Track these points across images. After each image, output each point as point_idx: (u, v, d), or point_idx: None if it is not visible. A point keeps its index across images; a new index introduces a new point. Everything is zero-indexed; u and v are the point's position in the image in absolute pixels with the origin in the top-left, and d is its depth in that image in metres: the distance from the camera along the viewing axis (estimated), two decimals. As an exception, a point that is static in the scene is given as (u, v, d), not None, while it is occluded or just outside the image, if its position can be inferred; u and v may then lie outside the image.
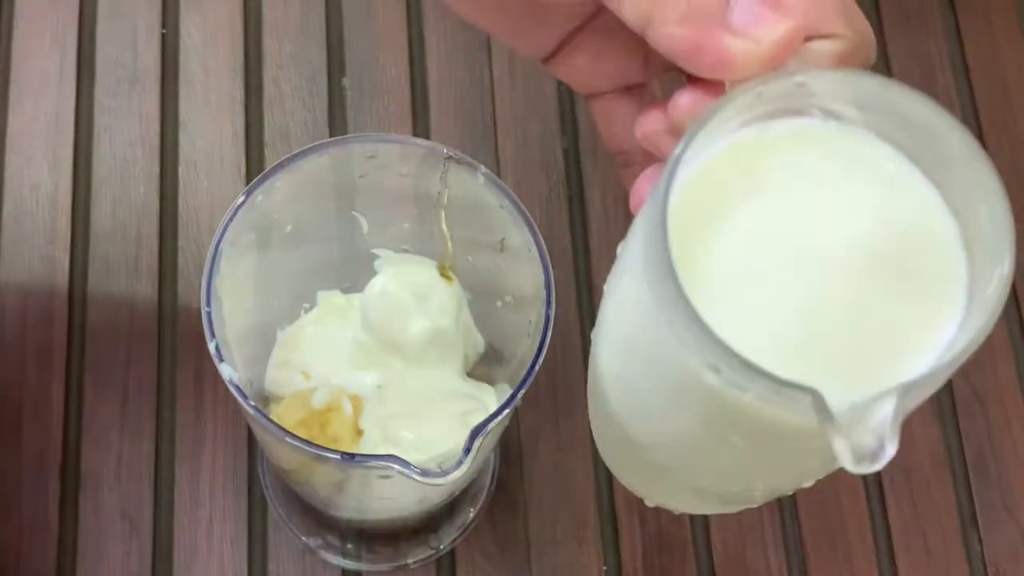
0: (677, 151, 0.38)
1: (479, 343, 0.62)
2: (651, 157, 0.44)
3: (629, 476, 0.46)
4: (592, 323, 0.70)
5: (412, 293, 0.60)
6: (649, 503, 0.47)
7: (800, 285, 0.39)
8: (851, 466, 0.35)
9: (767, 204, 0.39)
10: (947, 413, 0.70)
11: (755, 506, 0.45)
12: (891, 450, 0.35)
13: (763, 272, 0.39)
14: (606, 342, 0.42)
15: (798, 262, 0.39)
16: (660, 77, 0.47)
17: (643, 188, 0.44)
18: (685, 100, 0.42)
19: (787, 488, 0.45)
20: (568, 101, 0.75)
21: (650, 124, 0.43)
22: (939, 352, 0.38)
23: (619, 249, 0.42)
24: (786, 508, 0.68)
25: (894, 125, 0.40)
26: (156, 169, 0.72)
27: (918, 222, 0.39)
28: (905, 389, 0.36)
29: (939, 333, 0.38)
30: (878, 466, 0.35)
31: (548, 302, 0.55)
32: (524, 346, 0.57)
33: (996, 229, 0.37)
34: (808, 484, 0.43)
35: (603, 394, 0.44)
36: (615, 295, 0.41)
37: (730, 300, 0.38)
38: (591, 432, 0.68)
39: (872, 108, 0.40)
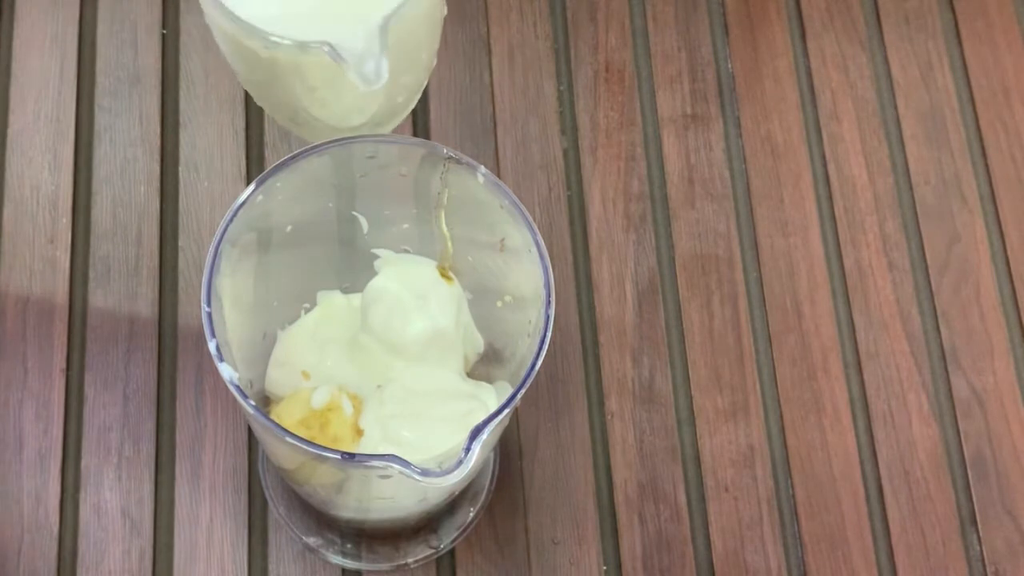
0: None
1: (479, 343, 0.62)
2: None
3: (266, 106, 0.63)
4: (592, 323, 0.71)
5: (412, 293, 0.60)
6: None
7: None
8: (363, 87, 0.52)
9: None
10: (946, 413, 0.70)
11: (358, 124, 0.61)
12: (384, 72, 0.52)
13: None
14: (232, 58, 0.60)
15: None
16: None
17: None
18: None
19: (350, 114, 0.61)
20: (568, 101, 0.75)
21: None
22: None
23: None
24: (785, 507, 0.68)
25: None
26: (156, 169, 0.72)
27: None
28: (384, 22, 0.53)
29: None
30: (380, 84, 0.52)
31: (548, 302, 0.55)
32: (524, 346, 0.57)
33: None
34: (361, 119, 0.60)
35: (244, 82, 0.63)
36: (215, 29, 0.58)
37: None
38: (591, 432, 0.68)
39: None
